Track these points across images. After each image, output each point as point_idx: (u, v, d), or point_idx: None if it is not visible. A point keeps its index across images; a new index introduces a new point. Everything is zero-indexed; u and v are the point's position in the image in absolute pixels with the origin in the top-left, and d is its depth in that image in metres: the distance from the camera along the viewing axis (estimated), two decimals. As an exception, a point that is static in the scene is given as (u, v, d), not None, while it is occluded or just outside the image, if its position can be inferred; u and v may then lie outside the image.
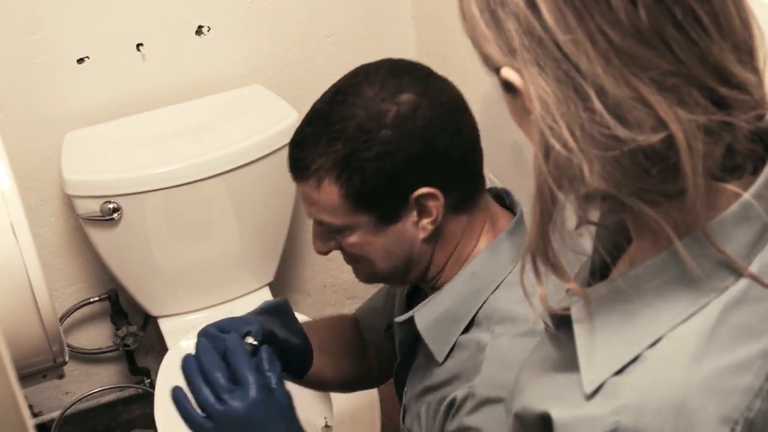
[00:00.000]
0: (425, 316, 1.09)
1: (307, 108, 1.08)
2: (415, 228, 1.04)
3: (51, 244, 1.91)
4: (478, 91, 1.73)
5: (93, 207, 1.68)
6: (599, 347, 0.66)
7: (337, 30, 1.94)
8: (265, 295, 1.93)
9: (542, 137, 0.61)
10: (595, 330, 0.66)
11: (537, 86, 0.61)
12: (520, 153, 1.30)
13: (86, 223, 1.72)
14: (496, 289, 1.06)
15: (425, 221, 1.04)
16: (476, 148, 1.06)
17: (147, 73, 1.83)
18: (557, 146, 0.60)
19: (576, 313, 0.68)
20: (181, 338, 1.80)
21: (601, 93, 0.59)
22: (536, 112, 0.61)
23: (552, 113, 0.60)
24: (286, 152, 1.07)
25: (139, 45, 1.80)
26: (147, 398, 2.08)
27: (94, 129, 1.81)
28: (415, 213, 1.03)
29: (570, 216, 0.67)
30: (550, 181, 0.62)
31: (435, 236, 1.06)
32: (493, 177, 1.55)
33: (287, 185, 1.88)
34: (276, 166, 1.75)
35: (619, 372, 0.64)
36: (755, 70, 0.62)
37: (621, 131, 0.59)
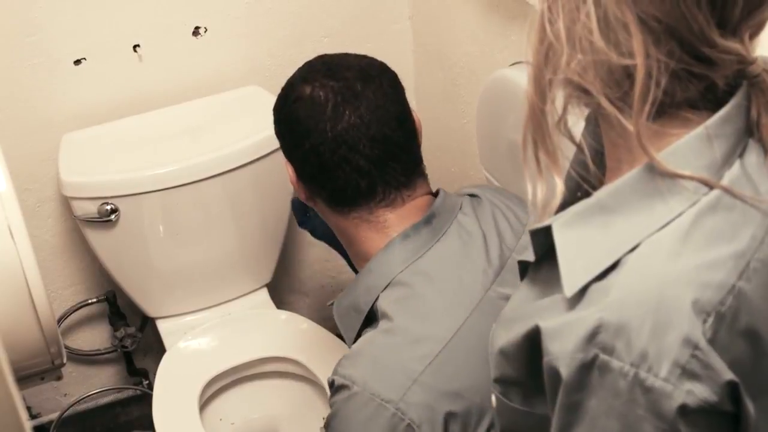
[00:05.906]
0: (341, 302, 1.21)
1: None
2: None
3: (48, 245, 1.90)
4: (473, 91, 1.73)
5: (90, 208, 1.68)
6: (580, 255, 0.70)
7: (334, 30, 1.94)
8: (263, 296, 1.93)
9: (541, 19, 0.69)
10: (575, 240, 0.70)
11: None
12: (518, 152, 1.30)
13: (84, 225, 1.72)
14: (386, 287, 1.14)
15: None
16: (338, 172, 1.16)
17: (144, 75, 1.83)
18: (550, 34, 0.68)
19: (557, 226, 0.72)
20: (179, 339, 1.80)
21: (599, 5, 0.66)
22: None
23: (558, 3, 0.68)
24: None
25: (136, 46, 1.80)
26: (145, 399, 2.07)
27: (92, 130, 1.80)
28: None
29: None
30: (540, 59, 0.70)
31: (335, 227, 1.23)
32: (489, 176, 1.55)
33: (285, 186, 1.89)
34: (273, 167, 1.75)
35: (601, 278, 0.67)
36: (742, 40, 0.67)
37: (599, 42, 0.66)
